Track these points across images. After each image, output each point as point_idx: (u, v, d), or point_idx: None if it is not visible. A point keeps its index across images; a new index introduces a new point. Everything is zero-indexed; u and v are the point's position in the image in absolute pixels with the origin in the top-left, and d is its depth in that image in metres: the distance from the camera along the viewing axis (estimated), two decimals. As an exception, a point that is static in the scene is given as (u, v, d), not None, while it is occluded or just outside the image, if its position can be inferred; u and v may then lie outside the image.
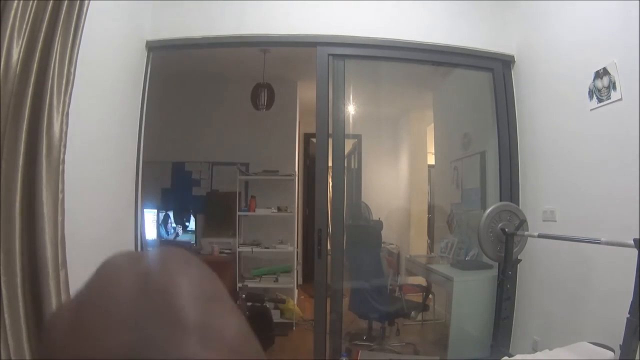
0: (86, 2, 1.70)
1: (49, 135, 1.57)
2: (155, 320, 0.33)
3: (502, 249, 2.19)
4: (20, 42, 1.51)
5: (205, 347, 0.33)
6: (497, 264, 2.36)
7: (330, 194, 2.82)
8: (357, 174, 5.00)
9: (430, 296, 3.62)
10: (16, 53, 1.50)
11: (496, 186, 2.78)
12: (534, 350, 2.31)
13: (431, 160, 4.72)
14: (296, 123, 4.98)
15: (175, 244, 4.39)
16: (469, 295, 2.92)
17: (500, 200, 2.61)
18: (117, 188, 2.39)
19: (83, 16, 1.69)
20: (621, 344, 1.41)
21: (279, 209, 4.36)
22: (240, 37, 2.66)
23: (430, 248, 4.54)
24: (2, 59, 1.46)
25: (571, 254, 2.17)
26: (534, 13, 2.58)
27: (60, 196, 1.60)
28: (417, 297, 3.48)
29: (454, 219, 3.73)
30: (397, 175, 5.26)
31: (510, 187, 2.71)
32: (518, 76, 2.76)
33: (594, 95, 2.04)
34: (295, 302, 4.48)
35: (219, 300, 0.39)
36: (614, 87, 1.92)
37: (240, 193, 4.45)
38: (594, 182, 2.06)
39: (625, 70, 1.86)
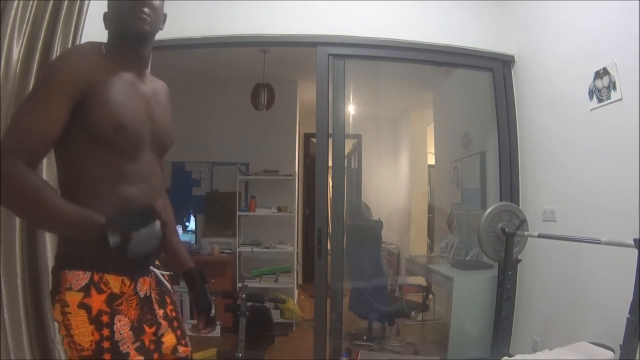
0: (86, 2, 1.70)
1: (49, 135, 1.57)
2: None
3: (502, 249, 2.19)
4: (20, 42, 1.51)
5: None
6: (497, 264, 2.36)
7: (330, 194, 2.82)
8: (357, 174, 5.00)
9: (430, 296, 3.62)
10: (16, 53, 1.50)
11: (496, 186, 2.78)
12: (534, 350, 2.31)
13: (431, 160, 4.72)
14: (296, 123, 4.98)
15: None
16: (469, 295, 2.91)
17: (500, 200, 2.61)
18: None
19: (83, 16, 1.69)
20: (621, 344, 1.41)
21: (279, 209, 4.35)
22: (240, 37, 2.66)
23: (431, 248, 4.54)
24: (3, 59, 1.46)
25: (571, 254, 2.17)
26: (534, 13, 2.58)
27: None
28: (417, 297, 3.48)
29: (454, 219, 3.73)
30: (397, 175, 5.25)
31: (510, 187, 2.71)
32: (518, 76, 2.76)
33: (594, 95, 2.04)
34: (295, 302, 4.48)
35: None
36: (614, 87, 1.92)
37: (240, 193, 4.44)
38: (594, 182, 2.06)
39: (625, 70, 1.86)
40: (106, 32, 1.10)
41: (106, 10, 1.10)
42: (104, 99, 0.97)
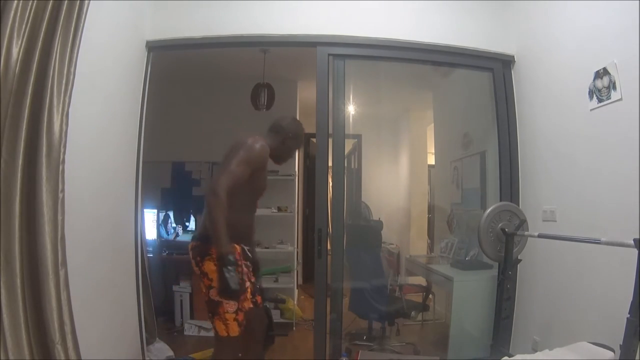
0: (86, 2, 1.70)
1: (49, 135, 1.57)
2: None
3: (502, 249, 2.19)
4: (20, 42, 1.51)
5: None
6: (497, 264, 2.36)
7: (330, 194, 2.82)
8: (357, 174, 5.00)
9: (430, 296, 3.62)
10: (16, 52, 1.50)
11: (496, 186, 2.78)
12: (534, 350, 2.31)
13: (431, 160, 4.72)
14: (296, 123, 4.96)
15: (175, 244, 4.40)
16: (469, 295, 2.91)
17: (500, 200, 2.61)
18: (117, 188, 2.39)
19: (83, 16, 1.69)
20: (621, 344, 1.41)
21: (279, 209, 4.35)
22: (240, 37, 2.66)
23: (430, 248, 4.54)
24: (2, 59, 1.46)
25: (571, 254, 2.17)
26: (534, 13, 2.58)
27: (60, 196, 1.60)
28: (417, 297, 3.47)
29: (454, 219, 3.73)
30: (397, 175, 5.25)
31: (510, 187, 2.71)
32: (518, 76, 2.76)
33: (594, 95, 2.04)
34: (295, 302, 4.48)
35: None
36: (614, 87, 1.92)
37: (240, 193, 4.43)
38: (594, 182, 2.06)
39: (625, 70, 1.86)
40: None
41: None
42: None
